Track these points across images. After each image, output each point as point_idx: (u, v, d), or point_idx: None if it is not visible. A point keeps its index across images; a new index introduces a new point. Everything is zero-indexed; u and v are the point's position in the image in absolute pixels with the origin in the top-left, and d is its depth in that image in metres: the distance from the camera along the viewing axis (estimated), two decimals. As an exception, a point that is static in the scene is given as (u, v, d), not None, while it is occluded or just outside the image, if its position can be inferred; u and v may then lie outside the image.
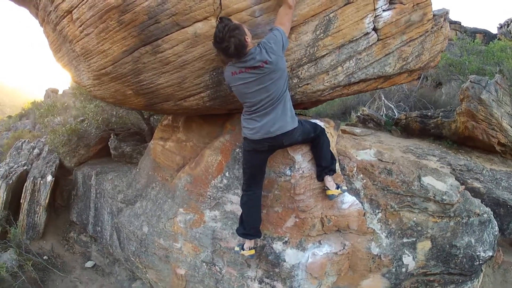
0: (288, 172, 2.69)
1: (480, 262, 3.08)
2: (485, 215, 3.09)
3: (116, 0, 2.10)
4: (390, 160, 2.95)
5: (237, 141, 2.92)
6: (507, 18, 13.02)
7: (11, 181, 5.05)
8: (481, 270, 3.26)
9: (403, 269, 2.91)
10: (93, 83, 2.78)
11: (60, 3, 2.41)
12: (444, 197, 2.87)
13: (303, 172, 2.69)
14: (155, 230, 3.28)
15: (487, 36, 12.49)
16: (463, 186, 3.08)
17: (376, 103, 7.75)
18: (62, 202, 5.60)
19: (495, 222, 3.18)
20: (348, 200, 2.78)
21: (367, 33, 2.64)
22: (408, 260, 2.90)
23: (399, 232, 2.89)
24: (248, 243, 2.66)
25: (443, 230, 2.95)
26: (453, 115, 5.31)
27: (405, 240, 2.90)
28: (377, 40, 2.72)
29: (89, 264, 4.77)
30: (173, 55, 2.31)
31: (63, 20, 2.47)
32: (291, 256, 2.72)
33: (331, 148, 2.73)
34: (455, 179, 3.05)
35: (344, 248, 2.75)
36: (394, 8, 2.68)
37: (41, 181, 5.03)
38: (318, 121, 2.84)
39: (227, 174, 2.95)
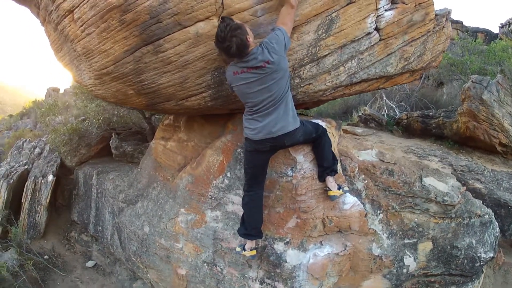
0: (289, 173, 2.69)
1: (481, 263, 3.07)
2: (486, 216, 3.09)
3: (117, 0, 2.09)
4: (392, 161, 2.95)
5: (238, 141, 2.91)
6: (509, 18, 12.98)
7: (12, 180, 5.06)
8: (482, 271, 3.25)
9: (404, 270, 2.91)
10: (94, 83, 2.78)
11: (61, 3, 2.40)
12: (445, 198, 2.86)
13: (304, 172, 2.68)
14: (156, 230, 3.27)
15: (489, 36, 12.45)
16: (465, 187, 3.08)
17: (378, 103, 7.74)
18: (63, 202, 5.60)
19: (496, 223, 3.17)
20: (350, 201, 2.77)
21: (369, 33, 2.64)
22: (409, 261, 2.90)
23: (400, 233, 2.88)
24: (250, 244, 2.66)
25: (444, 231, 2.94)
26: (455, 115, 5.30)
27: (406, 241, 2.89)
28: (379, 40, 2.71)
29: (90, 263, 4.77)
30: (174, 55, 2.30)
31: (65, 19, 2.47)
32: (292, 256, 2.71)
33: (332, 149, 2.72)
34: (457, 179, 3.05)
35: (345, 249, 2.75)
36: (396, 7, 2.67)
37: (42, 181, 5.03)
38: (319, 121, 2.83)
39: (228, 174, 2.94)
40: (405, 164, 2.96)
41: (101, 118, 5.43)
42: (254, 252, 2.65)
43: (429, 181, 2.89)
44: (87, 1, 2.21)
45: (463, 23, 13.42)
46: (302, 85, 2.65)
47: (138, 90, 2.62)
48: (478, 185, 4.10)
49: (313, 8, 2.37)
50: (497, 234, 3.16)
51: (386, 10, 2.64)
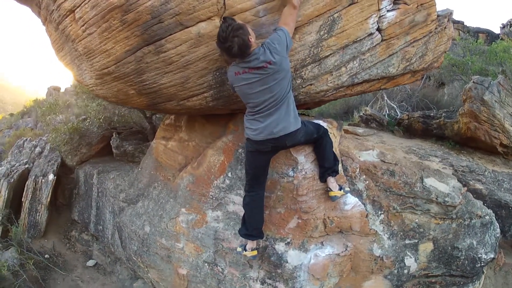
0: (291, 173, 2.69)
1: (482, 264, 3.07)
2: (487, 217, 3.09)
3: (119, 0, 2.09)
4: (393, 161, 2.94)
5: (239, 142, 2.91)
6: (510, 18, 12.98)
7: (12, 179, 5.06)
8: (483, 272, 3.25)
9: (405, 271, 2.91)
10: (96, 83, 2.78)
11: (62, 2, 2.40)
12: (446, 199, 2.86)
13: (306, 173, 2.68)
14: (157, 230, 3.28)
15: (490, 36, 12.44)
16: (465, 188, 3.08)
17: (379, 103, 7.72)
18: (63, 201, 5.61)
19: (497, 224, 3.18)
20: (351, 201, 2.77)
21: (371, 34, 2.63)
22: (410, 261, 2.90)
23: (401, 233, 2.88)
24: (251, 244, 2.66)
25: (445, 232, 2.94)
26: (456, 115, 5.29)
27: (407, 241, 2.89)
28: (381, 41, 2.70)
29: (90, 263, 4.77)
30: (176, 55, 2.30)
31: (66, 19, 2.46)
32: (293, 257, 2.71)
33: (334, 149, 2.72)
34: (457, 180, 3.04)
35: (346, 249, 2.75)
36: (398, 8, 2.66)
37: (43, 180, 5.04)
38: (321, 122, 2.83)
39: (229, 174, 2.94)
40: (406, 165, 2.96)
41: (102, 117, 5.43)
42: (255, 252, 2.65)
43: (430, 181, 2.89)
44: (89, 1, 2.21)
45: (465, 24, 13.41)
46: (304, 86, 2.64)
47: (139, 90, 2.62)
48: (479, 186, 4.10)
49: (315, 9, 2.37)
50: (497, 235, 3.16)
51: (388, 11, 2.63)
